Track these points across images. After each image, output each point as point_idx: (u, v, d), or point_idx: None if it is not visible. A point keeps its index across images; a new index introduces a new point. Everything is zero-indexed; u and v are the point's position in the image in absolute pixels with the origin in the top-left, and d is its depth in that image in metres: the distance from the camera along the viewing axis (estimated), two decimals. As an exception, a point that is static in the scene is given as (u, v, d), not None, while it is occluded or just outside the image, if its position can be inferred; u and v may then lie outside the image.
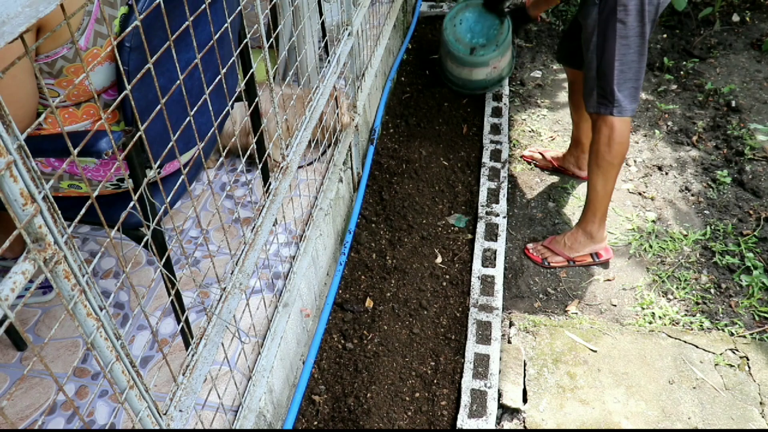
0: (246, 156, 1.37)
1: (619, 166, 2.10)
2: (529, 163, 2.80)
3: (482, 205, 2.49)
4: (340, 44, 2.03)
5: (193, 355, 1.07)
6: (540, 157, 2.76)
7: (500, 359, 1.94)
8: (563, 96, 3.26)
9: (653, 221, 2.47)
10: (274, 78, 1.44)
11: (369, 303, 2.15)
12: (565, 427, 1.79)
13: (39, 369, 1.54)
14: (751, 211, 2.48)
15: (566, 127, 3.03)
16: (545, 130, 3.01)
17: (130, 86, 0.77)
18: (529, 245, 2.35)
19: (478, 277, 2.20)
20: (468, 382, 1.85)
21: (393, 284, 2.20)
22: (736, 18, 3.78)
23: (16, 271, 0.60)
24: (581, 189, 2.65)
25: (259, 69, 2.32)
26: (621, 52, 1.94)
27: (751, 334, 2.03)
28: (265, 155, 1.55)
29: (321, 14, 2.30)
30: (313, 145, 2.11)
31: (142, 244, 0.92)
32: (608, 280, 2.25)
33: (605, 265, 2.29)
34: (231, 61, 1.36)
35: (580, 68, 2.21)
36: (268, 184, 1.45)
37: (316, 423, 1.81)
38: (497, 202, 2.51)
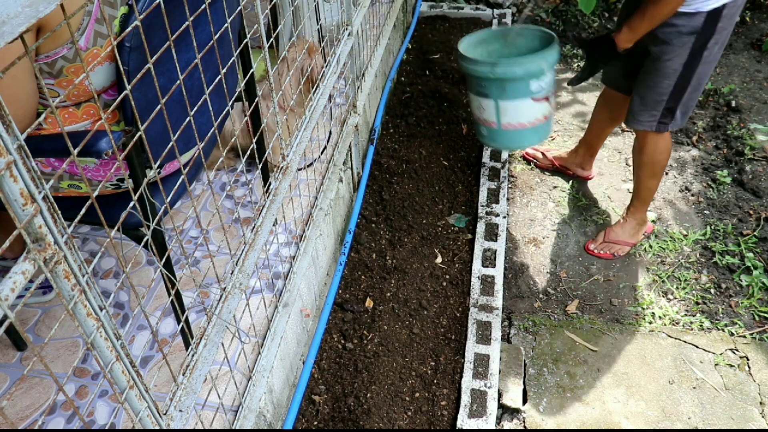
0: (246, 156, 1.37)
1: (667, 163, 2.28)
2: (529, 162, 2.80)
3: (482, 205, 2.49)
4: (340, 44, 2.03)
5: (193, 355, 1.07)
6: (541, 156, 2.77)
7: (500, 359, 1.94)
8: (563, 96, 3.26)
9: (653, 221, 2.47)
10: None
11: (369, 303, 2.15)
12: (565, 427, 1.79)
13: (39, 369, 1.54)
14: (751, 211, 2.48)
15: (566, 127, 3.03)
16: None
17: (130, 86, 0.77)
18: (591, 246, 2.39)
19: (478, 277, 2.20)
20: (468, 382, 1.85)
21: (393, 284, 2.20)
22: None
23: (16, 271, 0.59)
24: (581, 189, 2.65)
25: (259, 69, 2.32)
26: (698, 78, 2.03)
27: (751, 334, 2.03)
28: (265, 155, 1.55)
29: (318, 19, 2.30)
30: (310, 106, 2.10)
31: (142, 244, 0.92)
32: (608, 280, 2.25)
33: (606, 264, 2.30)
34: (231, 61, 1.36)
35: (628, 93, 2.25)
36: (268, 184, 1.45)
37: (316, 423, 1.81)
38: (497, 202, 2.51)
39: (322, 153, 2.23)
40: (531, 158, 2.80)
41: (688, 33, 1.92)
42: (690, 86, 2.05)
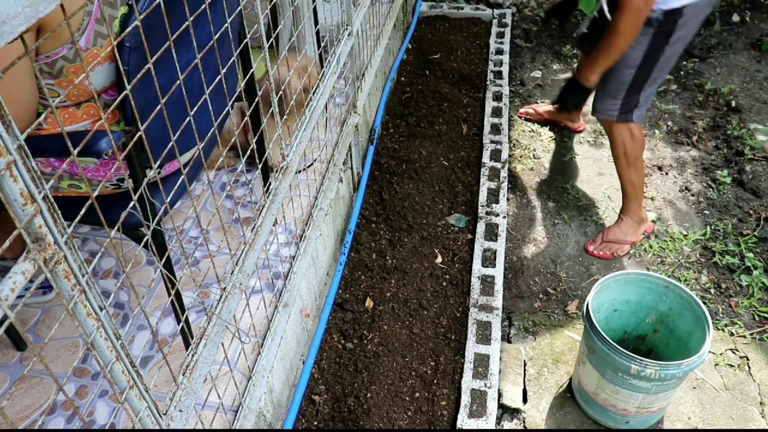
0: (246, 156, 1.37)
1: (642, 155, 2.29)
2: (526, 119, 3.02)
3: (482, 205, 2.49)
4: (340, 44, 2.03)
5: (193, 355, 1.07)
6: (533, 111, 2.99)
7: (500, 359, 1.94)
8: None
9: (653, 221, 2.47)
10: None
11: (369, 303, 2.15)
12: (565, 427, 1.79)
13: (39, 369, 1.54)
14: (751, 211, 2.48)
15: (566, 127, 3.03)
16: (545, 129, 3.01)
17: (130, 86, 0.77)
18: (590, 247, 2.40)
19: (478, 277, 2.20)
20: (468, 382, 1.85)
21: (393, 284, 2.20)
22: (736, 18, 3.78)
23: (16, 271, 0.59)
24: (581, 189, 2.65)
25: (259, 69, 2.32)
26: (659, 71, 2.12)
27: (751, 334, 2.03)
28: (265, 155, 1.55)
29: (317, 23, 2.29)
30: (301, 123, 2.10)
31: (142, 244, 0.92)
32: (608, 280, 2.25)
33: (606, 264, 2.30)
34: (231, 61, 1.36)
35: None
36: (268, 184, 1.45)
37: (316, 423, 1.81)
38: (497, 202, 2.51)
39: (315, 160, 2.23)
40: (525, 115, 3.04)
41: (647, 25, 2.01)
42: (649, 81, 2.14)
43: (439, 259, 2.32)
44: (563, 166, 2.79)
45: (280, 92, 1.56)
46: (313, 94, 1.80)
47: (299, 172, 2.11)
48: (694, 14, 2.02)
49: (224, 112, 1.24)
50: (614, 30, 2.05)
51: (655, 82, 2.17)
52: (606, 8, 2.16)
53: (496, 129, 2.93)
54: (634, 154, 2.25)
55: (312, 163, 2.19)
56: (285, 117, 1.58)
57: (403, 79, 3.36)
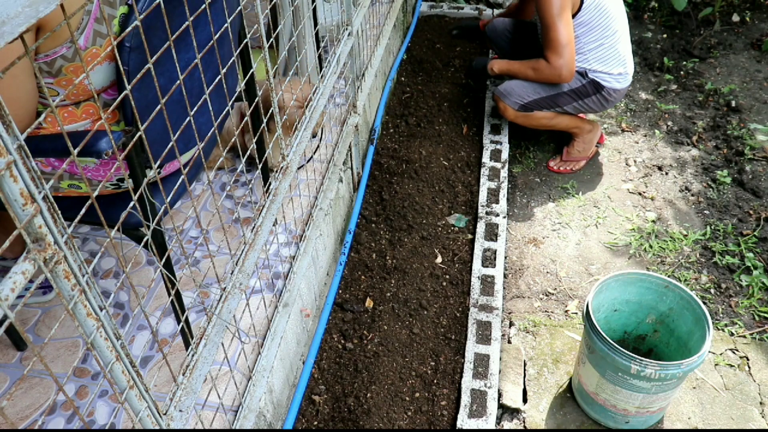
0: (246, 156, 1.37)
1: (549, 114, 2.64)
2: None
3: (482, 205, 2.49)
4: (340, 44, 2.03)
5: (193, 355, 1.07)
6: None
7: (500, 359, 1.94)
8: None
9: (653, 221, 2.47)
10: (274, 76, 1.44)
11: (369, 303, 2.14)
12: (565, 427, 1.79)
13: (39, 369, 1.54)
14: (751, 211, 2.48)
15: (566, 127, 3.03)
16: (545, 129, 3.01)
17: (130, 86, 0.77)
18: (552, 164, 2.75)
19: (478, 277, 2.19)
20: (468, 382, 1.85)
21: (393, 284, 2.20)
22: (736, 18, 3.78)
23: (16, 271, 0.59)
24: (581, 189, 2.65)
25: (259, 69, 2.32)
26: (571, 108, 2.56)
27: (751, 334, 2.03)
28: (265, 155, 1.55)
29: (316, 24, 2.29)
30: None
31: (142, 244, 0.92)
32: (608, 280, 2.24)
33: (606, 264, 2.30)
34: (231, 61, 1.36)
35: (504, 56, 2.89)
36: (268, 184, 1.45)
37: (316, 423, 1.81)
38: (497, 202, 2.51)
39: (315, 152, 2.23)
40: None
41: (581, 74, 2.48)
42: (561, 107, 2.53)
43: (439, 259, 2.31)
44: (563, 166, 2.79)
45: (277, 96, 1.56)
46: (313, 94, 1.80)
47: (300, 168, 2.11)
48: (614, 98, 2.50)
49: (224, 113, 1.24)
50: (537, 66, 2.44)
51: (560, 109, 2.54)
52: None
53: (496, 129, 2.93)
54: (545, 118, 2.59)
55: (311, 158, 2.18)
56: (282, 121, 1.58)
57: (403, 79, 3.36)
